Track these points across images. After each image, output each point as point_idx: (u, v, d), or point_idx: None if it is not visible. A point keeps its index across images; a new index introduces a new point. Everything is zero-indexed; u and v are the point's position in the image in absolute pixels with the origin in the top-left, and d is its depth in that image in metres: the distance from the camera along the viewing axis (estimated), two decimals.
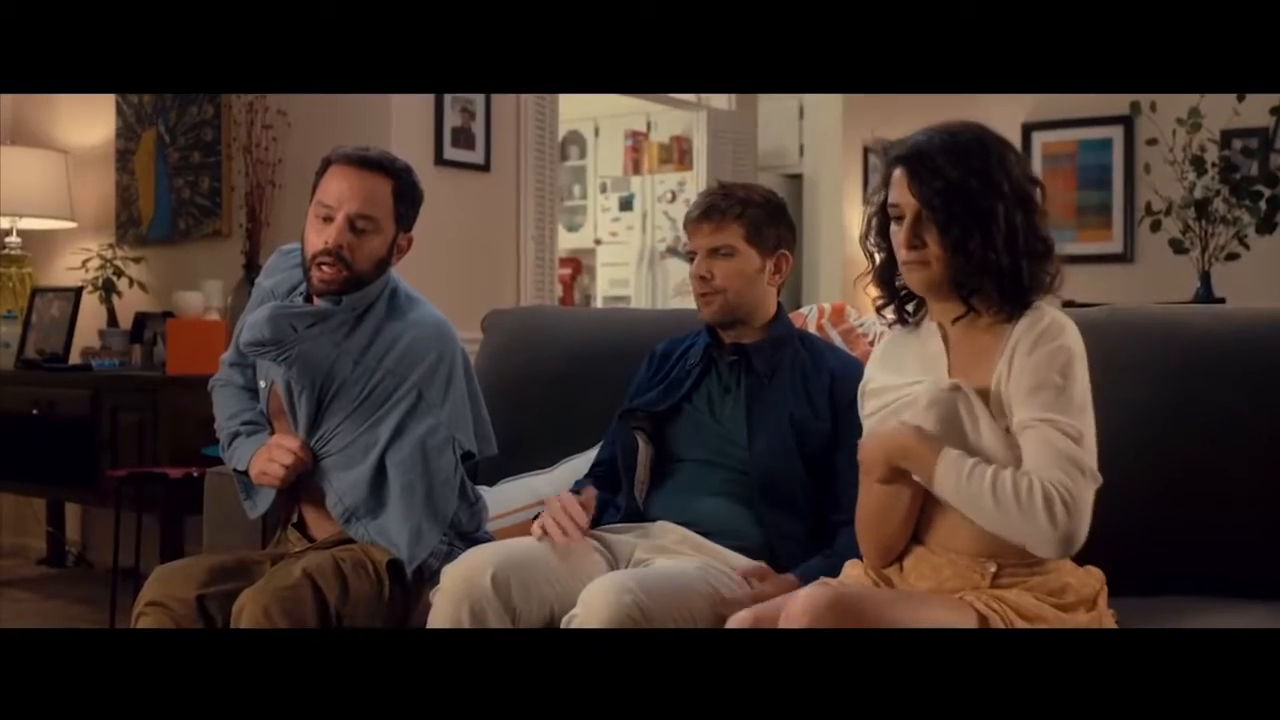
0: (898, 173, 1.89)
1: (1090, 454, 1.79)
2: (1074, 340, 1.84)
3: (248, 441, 2.45)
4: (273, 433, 2.46)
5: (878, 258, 2.00)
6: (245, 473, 2.44)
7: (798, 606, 1.72)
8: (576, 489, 2.46)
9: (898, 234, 1.89)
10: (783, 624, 1.73)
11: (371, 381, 2.35)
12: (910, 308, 2.00)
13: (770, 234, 2.38)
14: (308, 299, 2.44)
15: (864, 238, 2.01)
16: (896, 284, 1.98)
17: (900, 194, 1.88)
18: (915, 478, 1.84)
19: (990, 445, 1.81)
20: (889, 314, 2.02)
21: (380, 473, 2.34)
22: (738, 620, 1.85)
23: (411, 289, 2.50)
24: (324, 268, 2.32)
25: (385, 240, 2.37)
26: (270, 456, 2.37)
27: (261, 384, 2.48)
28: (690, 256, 2.41)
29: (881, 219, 1.96)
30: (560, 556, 2.14)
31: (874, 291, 2.04)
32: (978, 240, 1.82)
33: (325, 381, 2.35)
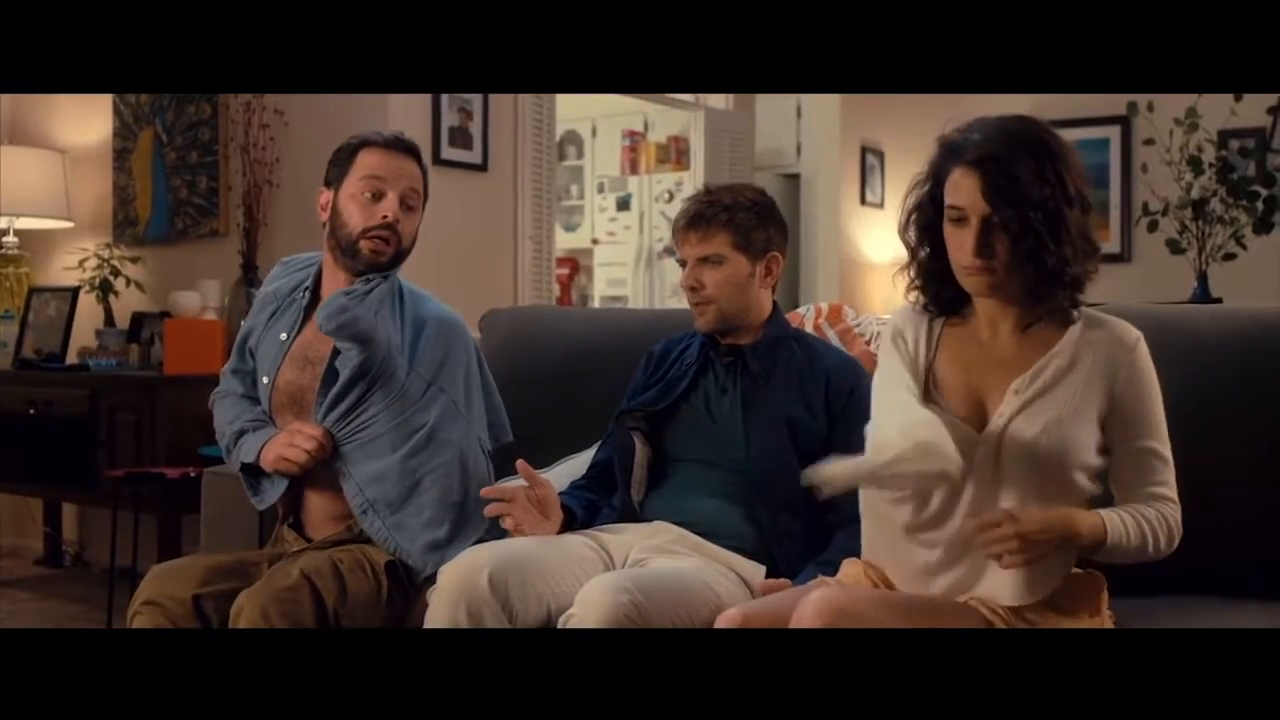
0: (960, 174, 1.82)
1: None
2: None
3: (255, 435, 2.44)
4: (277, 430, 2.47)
5: (920, 253, 1.94)
6: (253, 466, 2.44)
7: (809, 611, 1.71)
8: (573, 489, 2.46)
9: (957, 235, 1.83)
10: (794, 627, 1.72)
11: (408, 378, 2.39)
12: (948, 294, 1.94)
13: (759, 237, 2.36)
14: (314, 295, 2.47)
15: (903, 230, 1.95)
16: (936, 276, 1.93)
17: (967, 198, 1.81)
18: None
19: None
20: (929, 306, 1.97)
21: (408, 471, 2.36)
22: (726, 618, 1.84)
23: (413, 285, 2.53)
24: (377, 239, 2.38)
25: (418, 221, 2.47)
26: (291, 441, 2.36)
27: (264, 380, 2.49)
28: (681, 263, 2.41)
29: (927, 214, 1.90)
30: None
31: (904, 281, 1.98)
32: (1054, 253, 1.79)
33: (383, 366, 2.37)
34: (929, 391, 1.92)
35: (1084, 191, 1.83)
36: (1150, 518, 1.84)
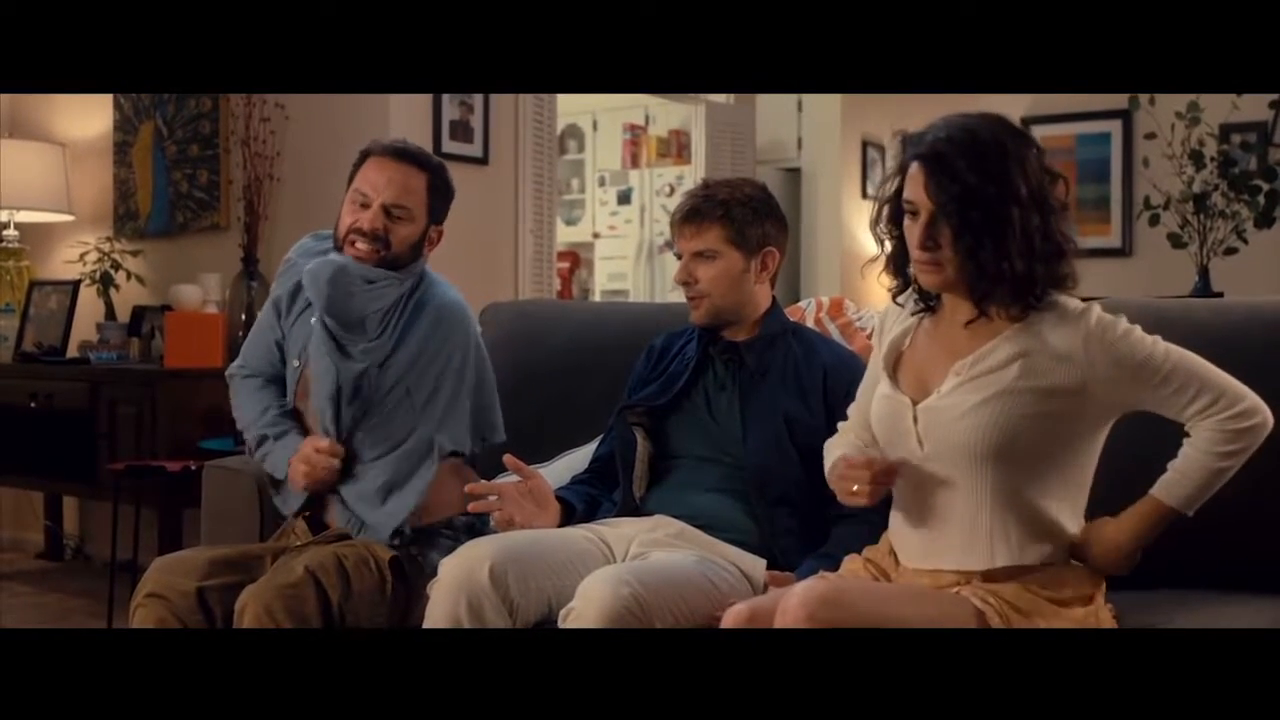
0: (914, 168, 1.86)
1: None
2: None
3: (280, 445, 2.46)
4: (299, 421, 2.50)
5: (888, 245, 1.98)
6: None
7: (794, 601, 1.72)
8: (573, 483, 2.47)
9: (911, 229, 1.87)
10: (779, 619, 1.73)
11: (386, 389, 2.42)
12: (918, 287, 1.97)
13: (754, 233, 2.36)
14: None
15: (874, 224, 1.98)
16: (910, 271, 1.96)
17: (916, 192, 1.85)
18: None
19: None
20: (909, 303, 2.00)
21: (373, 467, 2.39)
22: (733, 614, 1.84)
23: (434, 274, 2.56)
24: (358, 244, 2.42)
25: (418, 229, 2.47)
26: (310, 462, 2.39)
27: (295, 364, 2.50)
28: (679, 256, 2.41)
29: (895, 209, 1.94)
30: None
31: (887, 280, 2.02)
32: (989, 249, 1.81)
33: (349, 388, 2.41)
34: (894, 377, 1.97)
35: (1044, 191, 1.85)
36: (1215, 445, 1.83)
